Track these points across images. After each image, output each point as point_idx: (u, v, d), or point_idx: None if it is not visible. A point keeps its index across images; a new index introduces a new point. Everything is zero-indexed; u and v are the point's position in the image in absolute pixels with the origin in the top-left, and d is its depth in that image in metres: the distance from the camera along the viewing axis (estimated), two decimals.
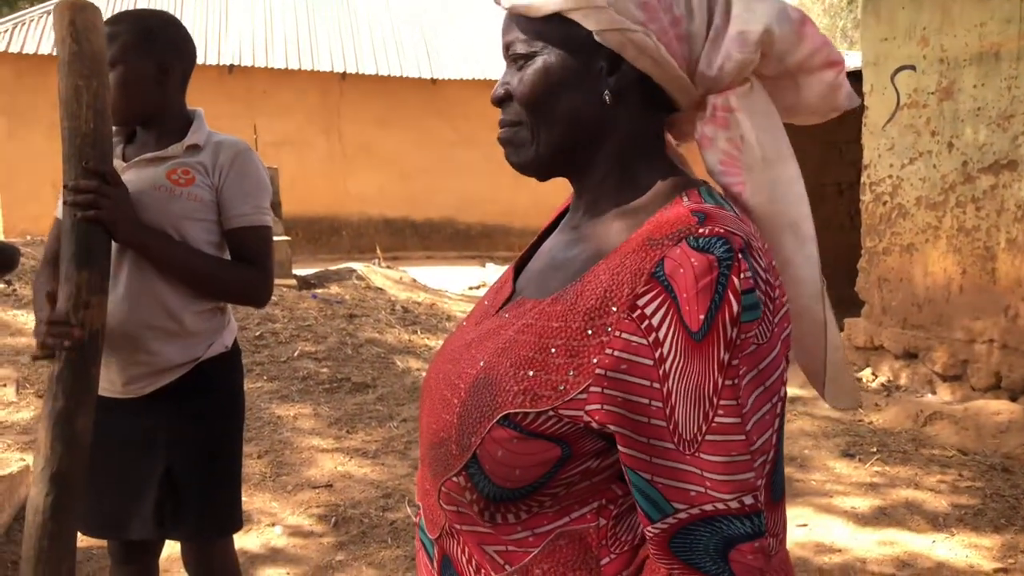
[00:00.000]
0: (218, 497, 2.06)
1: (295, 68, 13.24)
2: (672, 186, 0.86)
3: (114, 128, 1.96)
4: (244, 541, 3.38)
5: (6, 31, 12.56)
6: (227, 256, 2.02)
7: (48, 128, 12.12)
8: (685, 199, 0.83)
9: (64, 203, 1.78)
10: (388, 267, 9.35)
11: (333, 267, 8.54)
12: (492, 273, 11.00)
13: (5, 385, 4.64)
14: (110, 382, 1.94)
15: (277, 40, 13.56)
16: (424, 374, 5.57)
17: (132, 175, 1.92)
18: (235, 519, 2.13)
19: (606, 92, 0.85)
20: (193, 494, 2.00)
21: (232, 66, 12.83)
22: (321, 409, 4.96)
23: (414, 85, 13.84)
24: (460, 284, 9.88)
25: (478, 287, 10.08)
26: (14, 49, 12.29)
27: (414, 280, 8.86)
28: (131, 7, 11.45)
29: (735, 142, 0.86)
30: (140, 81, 1.92)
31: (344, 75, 13.59)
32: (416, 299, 7.80)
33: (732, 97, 0.85)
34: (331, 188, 13.36)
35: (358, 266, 8.56)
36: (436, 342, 6.49)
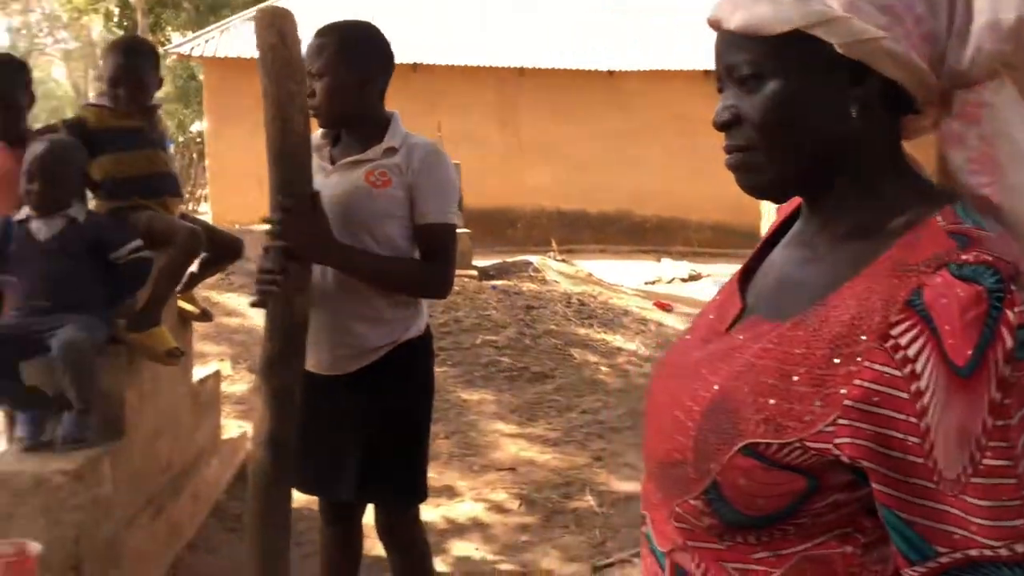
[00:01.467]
0: (408, 468, 2.23)
1: (474, 64, 13.61)
2: (919, 200, 0.81)
3: (321, 131, 2.20)
4: (434, 516, 3.55)
5: (212, 38, 13.69)
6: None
7: (251, 126, 13.07)
8: (940, 219, 0.78)
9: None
10: (563, 260, 9.44)
11: (510, 259, 8.72)
12: (667, 269, 10.86)
13: (222, 359, 5.10)
14: (319, 361, 2.15)
15: (457, 38, 13.98)
16: (602, 368, 5.63)
17: (337, 178, 2.12)
18: (421, 490, 2.29)
19: (853, 106, 0.81)
20: (387, 463, 2.18)
21: (416, 64, 13.35)
22: (503, 396, 5.11)
23: (591, 78, 13.87)
24: (635, 279, 9.84)
25: (653, 282, 9.99)
26: (220, 54, 13.37)
27: (589, 274, 8.90)
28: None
29: (988, 139, 0.80)
30: (344, 90, 2.08)
31: (521, 70, 13.83)
32: (591, 293, 7.84)
33: (985, 91, 0.80)
34: (507, 181, 13.64)
35: (534, 259, 8.71)
36: (613, 337, 6.51)
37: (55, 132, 2.74)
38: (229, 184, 13.38)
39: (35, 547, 2.23)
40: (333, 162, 2.17)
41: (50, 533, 2.31)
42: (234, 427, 4.01)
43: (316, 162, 2.13)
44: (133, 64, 2.81)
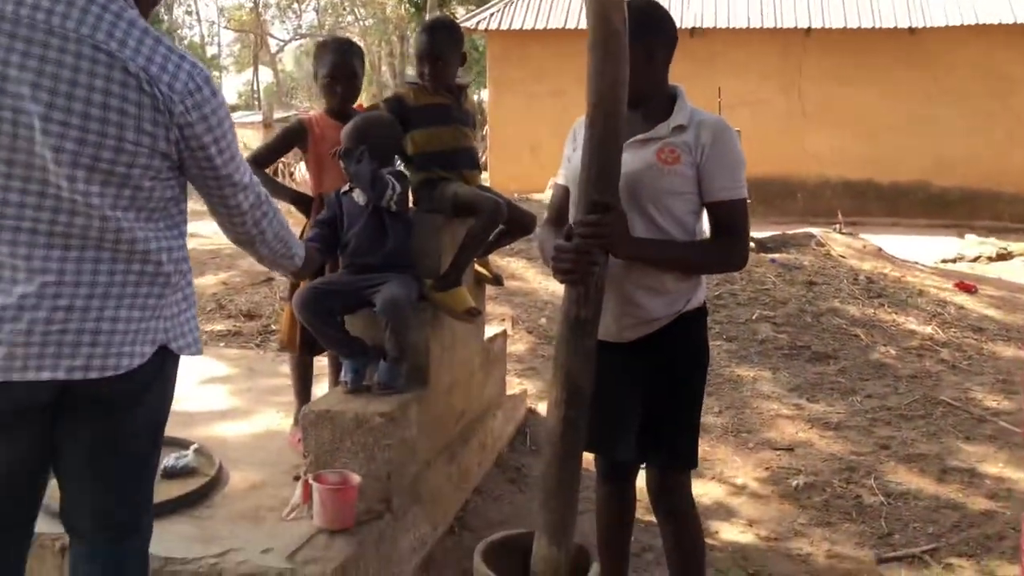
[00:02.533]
0: (683, 433, 2.29)
1: (757, 27, 13.03)
2: None
3: None
4: (705, 490, 3.53)
5: (497, 11, 14.26)
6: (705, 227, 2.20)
7: (528, 97, 13.64)
8: None
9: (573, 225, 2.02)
10: (849, 233, 8.84)
11: (790, 231, 8.33)
12: (971, 246, 9.81)
13: (503, 320, 5.39)
14: (606, 327, 2.21)
15: (739, 0, 13.46)
16: (891, 352, 5.23)
17: (627, 156, 2.11)
18: (693, 456, 2.33)
19: None
20: (664, 428, 2.25)
21: (694, 28, 13.05)
22: (780, 375, 4.93)
23: (888, 36, 12.77)
24: (932, 256, 9.00)
25: (954, 260, 9.08)
26: (503, 27, 13.92)
27: (879, 249, 8.26)
28: None
29: None
30: (634, 71, 2.05)
31: (808, 30, 13.03)
32: (882, 270, 7.29)
33: None
34: (787, 148, 12.99)
35: (817, 231, 8.24)
36: (905, 319, 6.02)
37: (377, 110, 3.02)
38: (507, 153, 13.99)
39: (355, 478, 2.54)
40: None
41: (367, 468, 2.61)
42: (515, 384, 4.23)
43: None
44: (435, 42, 3.03)
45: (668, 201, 2.13)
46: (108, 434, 1.72)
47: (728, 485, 3.65)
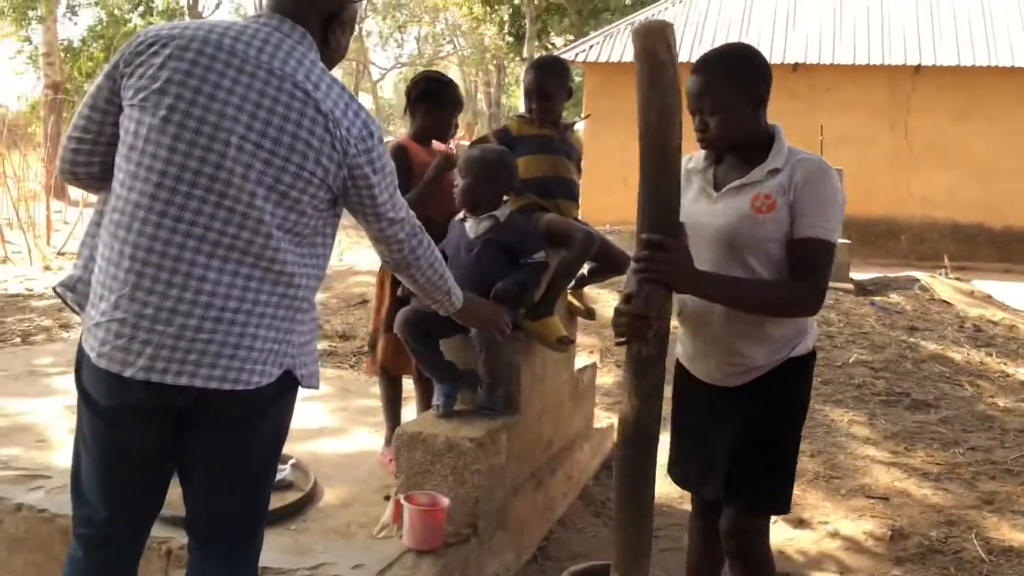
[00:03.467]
0: (770, 477, 2.23)
1: (863, 63, 12.75)
2: None
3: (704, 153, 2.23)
4: (793, 535, 3.44)
5: (596, 43, 14.38)
6: None
7: (621, 129, 13.64)
8: None
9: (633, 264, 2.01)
10: (956, 278, 8.50)
11: (892, 274, 8.07)
12: None
13: (591, 352, 5.39)
14: (709, 373, 2.25)
15: (846, 35, 13.20)
16: (999, 403, 5.00)
17: (722, 205, 2.14)
18: (781, 501, 2.27)
19: None
20: (751, 468, 2.20)
21: (796, 64, 12.87)
22: (877, 421, 4.77)
23: (1003, 75, 12.29)
24: None
25: None
26: (602, 59, 14.01)
27: (989, 296, 7.92)
28: None
29: None
30: (740, 121, 2.10)
31: (918, 67, 12.67)
32: (991, 317, 6.98)
33: None
34: (893, 188, 12.60)
35: (921, 275, 7.97)
36: (1015, 369, 5.74)
37: (486, 141, 3.10)
38: (600, 185, 13.99)
39: (445, 500, 2.59)
40: (717, 186, 2.19)
41: (456, 491, 2.65)
42: (603, 417, 4.23)
43: (699, 185, 2.21)
44: (542, 80, 3.14)
45: (766, 248, 2.10)
46: (231, 447, 1.81)
47: (818, 532, 3.55)
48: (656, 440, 2.02)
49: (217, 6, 31.23)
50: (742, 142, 2.14)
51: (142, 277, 1.65)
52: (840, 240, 2.33)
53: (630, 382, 1.98)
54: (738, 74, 2.10)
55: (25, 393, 3.92)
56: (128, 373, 1.66)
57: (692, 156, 2.25)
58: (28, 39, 20.56)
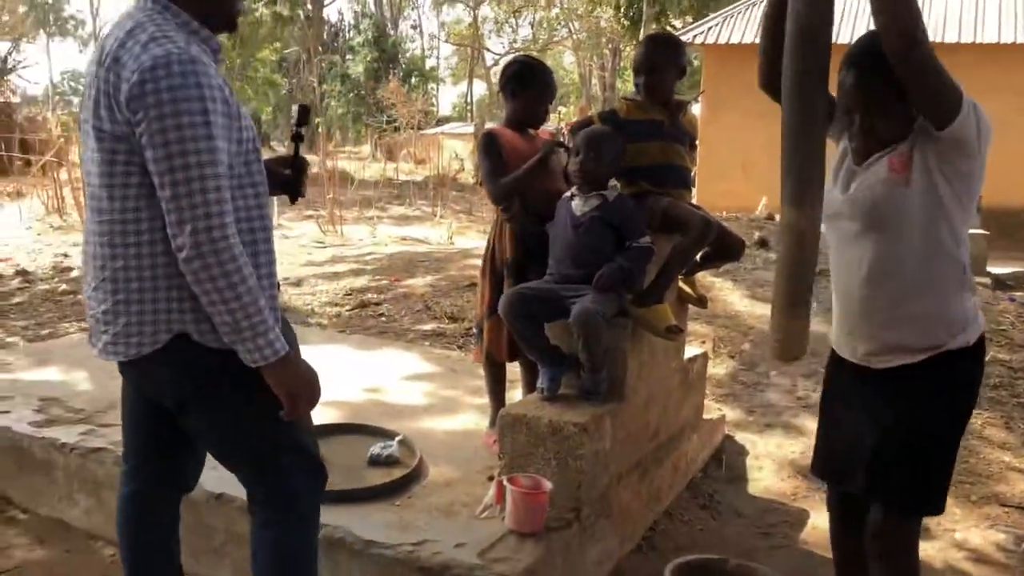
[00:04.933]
0: (917, 476, 2.08)
1: (1008, 42, 11.90)
2: None
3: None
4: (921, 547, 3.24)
5: (716, 24, 13.97)
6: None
7: (740, 114, 13.22)
8: None
9: None
10: None
11: None
12: None
13: (703, 342, 5.25)
14: (852, 349, 2.15)
15: (989, 13, 12.35)
16: None
17: (860, 178, 2.08)
18: (930, 502, 2.12)
19: None
20: (897, 464, 2.07)
21: (934, 44, 12.09)
22: (1016, 424, 4.44)
23: None
24: None
25: None
26: (721, 41, 13.61)
27: None
28: None
29: None
30: (884, 102, 2.01)
31: None
32: None
33: None
34: None
35: None
36: None
37: (591, 124, 3.03)
38: (717, 171, 13.65)
39: (548, 485, 2.56)
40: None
41: (559, 476, 2.62)
42: (713, 409, 4.10)
43: (843, 170, 2.17)
44: (650, 54, 3.02)
45: (909, 218, 1.99)
46: (180, 418, 1.92)
47: (943, 540, 3.33)
48: (828, 46, 1.91)
49: None
50: (888, 138, 2.05)
51: (85, 265, 1.86)
52: (977, 231, 2.19)
53: None
54: (874, 60, 1.98)
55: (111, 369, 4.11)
56: (95, 353, 1.87)
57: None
58: None
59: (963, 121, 1.90)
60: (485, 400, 3.51)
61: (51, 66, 50.13)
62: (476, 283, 6.51)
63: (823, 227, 2.06)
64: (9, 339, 5.34)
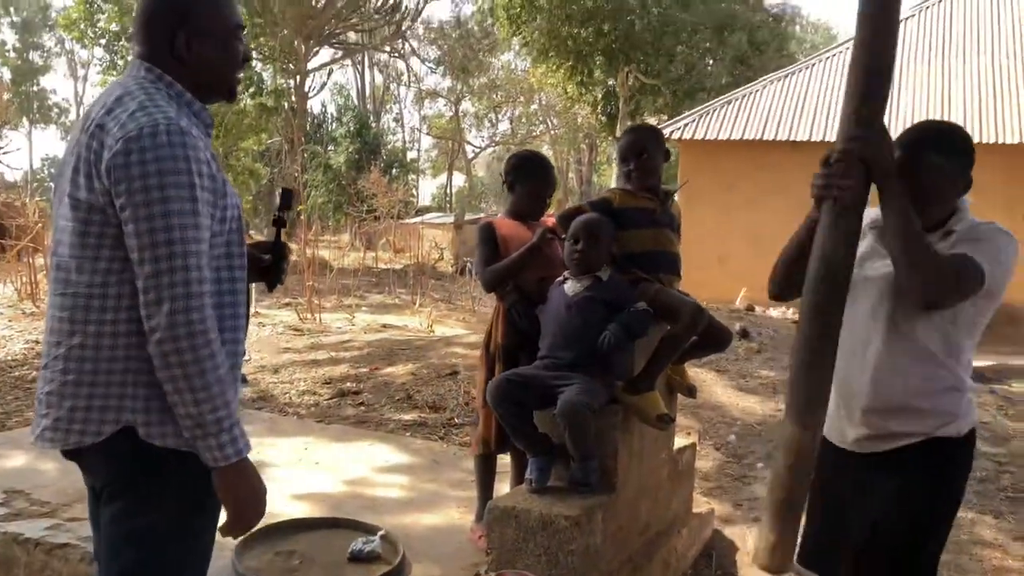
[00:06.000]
0: (909, 567, 2.03)
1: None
2: None
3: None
4: None
5: (691, 121, 14.34)
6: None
7: (718, 208, 13.42)
8: None
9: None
10: None
11: (1013, 361, 7.57)
12: None
13: (689, 433, 5.17)
14: (840, 433, 2.12)
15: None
16: None
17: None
18: None
19: None
20: (887, 557, 2.03)
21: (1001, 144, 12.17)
22: (1004, 521, 4.37)
23: None
24: None
25: None
26: (697, 136, 13.90)
27: None
28: None
29: None
30: (946, 198, 2.03)
31: None
32: None
33: None
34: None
35: None
36: None
37: (582, 212, 3.05)
38: (694, 262, 13.70)
39: None
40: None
41: (549, 572, 2.51)
42: (701, 502, 4.01)
43: (870, 242, 2.13)
44: (639, 139, 3.09)
45: (925, 317, 1.99)
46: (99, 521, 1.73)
47: None
48: (847, 283, 1.90)
49: (322, 87, 32.68)
50: (935, 221, 2.05)
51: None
52: None
53: (827, 226, 1.90)
54: (954, 150, 2.04)
55: None
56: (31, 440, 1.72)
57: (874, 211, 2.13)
58: None
59: (990, 282, 1.94)
60: (468, 493, 3.41)
61: (32, 152, 50.07)
62: (457, 372, 6.47)
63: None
64: None
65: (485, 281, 3.13)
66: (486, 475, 3.26)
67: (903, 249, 1.90)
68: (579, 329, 2.78)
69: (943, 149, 2.02)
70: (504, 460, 3.31)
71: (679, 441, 3.69)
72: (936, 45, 13.98)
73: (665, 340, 2.90)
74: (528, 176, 3.23)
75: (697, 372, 6.24)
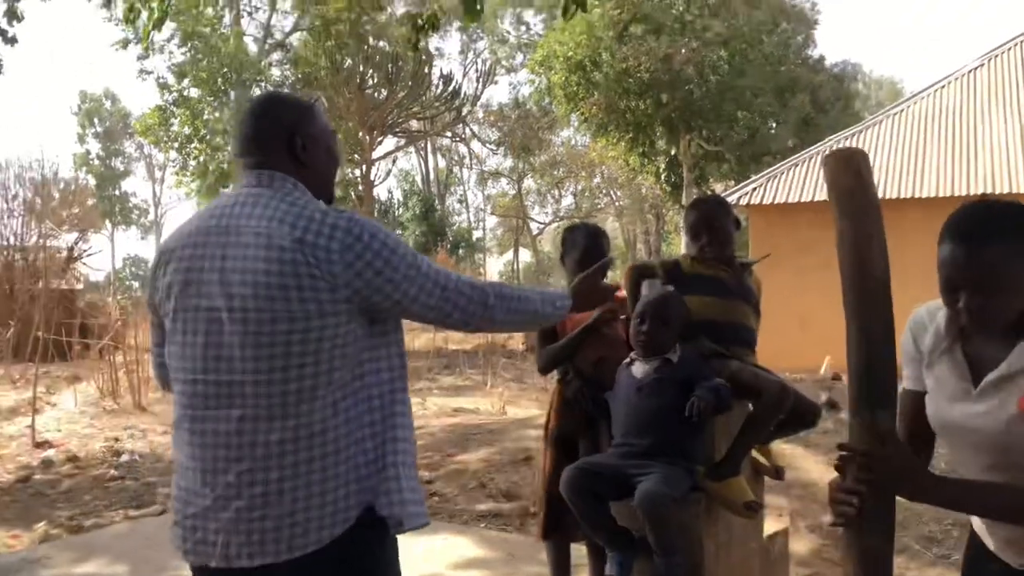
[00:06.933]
0: None
1: None
2: None
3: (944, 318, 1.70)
4: None
5: (759, 185, 14.15)
6: None
7: (794, 271, 13.12)
8: None
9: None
10: None
11: None
12: None
13: (780, 515, 4.86)
14: (1013, 555, 1.72)
15: None
16: None
17: (980, 407, 1.60)
18: None
19: None
20: None
21: None
22: None
23: None
24: None
25: None
26: (766, 201, 13.73)
27: None
28: None
29: None
30: (999, 278, 1.53)
31: None
32: None
33: None
34: None
35: None
36: None
37: (653, 271, 2.91)
38: (773, 328, 13.33)
39: None
40: (973, 373, 1.63)
41: None
42: None
43: (947, 369, 1.68)
44: (708, 212, 2.95)
45: None
46: None
47: None
48: None
49: (387, 174, 33.56)
50: (1012, 321, 1.57)
51: (196, 472, 1.68)
52: None
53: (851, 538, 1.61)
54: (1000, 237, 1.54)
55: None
56: (213, 564, 1.66)
57: (923, 321, 1.76)
58: None
59: None
60: None
61: (114, 253, 52.47)
62: (531, 457, 6.28)
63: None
64: (53, 531, 5.18)
65: (540, 363, 3.02)
66: (558, 568, 3.09)
67: (1007, 516, 1.61)
68: (653, 413, 2.61)
69: (980, 230, 1.56)
70: (581, 552, 3.13)
71: (770, 526, 3.43)
72: (1010, 93, 13.54)
73: (748, 422, 2.71)
74: (573, 247, 3.13)
75: (784, 448, 5.93)
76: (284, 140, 1.76)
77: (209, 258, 1.66)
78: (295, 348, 1.61)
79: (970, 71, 14.14)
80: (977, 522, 1.85)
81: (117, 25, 15.80)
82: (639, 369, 2.70)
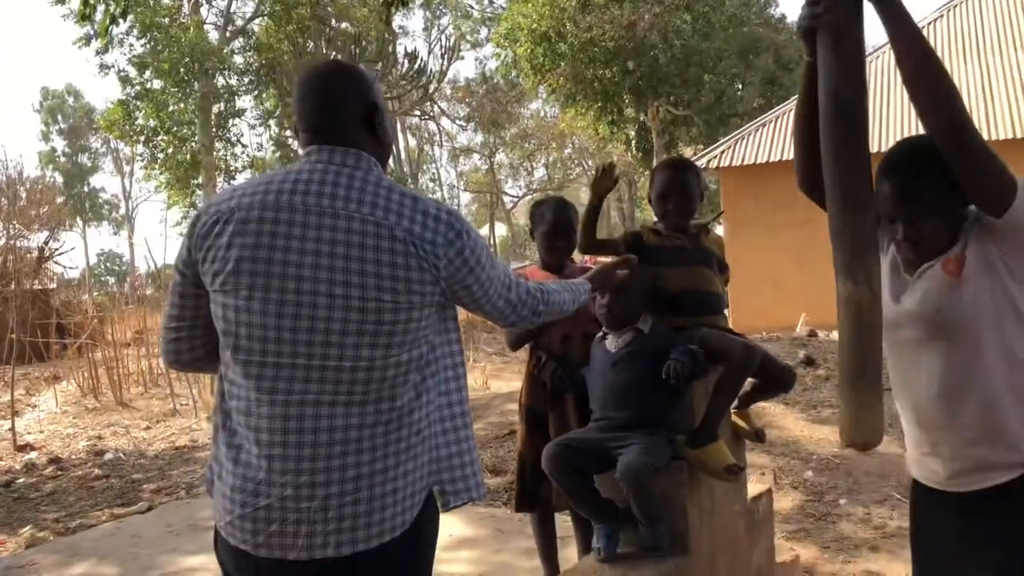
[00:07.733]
0: None
1: None
2: None
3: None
4: None
5: (728, 147, 14.19)
6: None
7: (763, 231, 13.23)
8: None
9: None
10: None
11: None
12: None
13: (763, 474, 4.93)
14: (932, 472, 1.91)
15: None
16: None
17: (920, 287, 1.86)
18: None
19: None
20: None
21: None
22: None
23: None
24: None
25: None
26: (736, 163, 13.77)
27: None
28: None
29: None
30: (928, 206, 1.82)
31: None
32: None
33: None
34: None
35: None
36: None
37: (616, 245, 2.91)
38: (748, 289, 13.49)
39: None
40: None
41: None
42: (785, 549, 3.78)
43: (887, 271, 1.95)
44: (679, 176, 2.92)
45: (977, 325, 1.78)
46: None
47: None
48: (863, 115, 1.75)
49: None
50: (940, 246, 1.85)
51: (273, 460, 1.61)
52: None
53: (827, 57, 1.76)
54: (926, 169, 1.82)
55: (182, 549, 3.90)
56: (292, 556, 1.61)
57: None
58: (194, 205, 22.55)
59: (1021, 205, 1.72)
60: (537, 562, 3.25)
61: (87, 249, 51.77)
62: (516, 431, 6.31)
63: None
64: (39, 534, 5.15)
65: (508, 340, 3.06)
66: (543, 539, 3.14)
67: (913, 67, 1.71)
68: (629, 385, 2.63)
69: (907, 166, 1.84)
70: (568, 524, 3.16)
71: (753, 488, 3.48)
72: (970, 44, 13.65)
73: (718, 384, 2.72)
74: (541, 221, 3.13)
75: (764, 407, 6.00)
76: (361, 115, 1.73)
77: (298, 238, 1.61)
78: (397, 338, 1.62)
79: (929, 23, 14.20)
80: (908, 461, 1.98)
81: (76, 22, 15.42)
82: (612, 343, 2.71)
